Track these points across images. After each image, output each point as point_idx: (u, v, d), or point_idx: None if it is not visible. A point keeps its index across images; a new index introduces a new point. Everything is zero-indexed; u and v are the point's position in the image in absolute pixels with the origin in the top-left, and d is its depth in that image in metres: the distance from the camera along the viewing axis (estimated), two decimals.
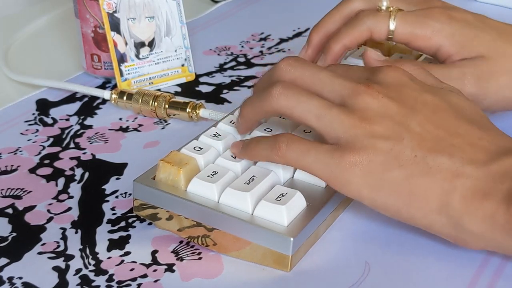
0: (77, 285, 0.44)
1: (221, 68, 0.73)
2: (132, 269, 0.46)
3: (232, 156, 0.49)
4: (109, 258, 0.47)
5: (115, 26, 0.65)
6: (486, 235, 0.42)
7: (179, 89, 0.69)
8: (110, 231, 0.49)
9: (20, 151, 0.59)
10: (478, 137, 0.44)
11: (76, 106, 0.66)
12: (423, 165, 0.43)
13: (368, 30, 0.57)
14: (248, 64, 0.74)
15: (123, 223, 0.50)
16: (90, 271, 0.45)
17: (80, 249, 0.47)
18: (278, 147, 0.45)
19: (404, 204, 0.43)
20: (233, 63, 0.74)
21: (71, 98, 0.67)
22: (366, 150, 0.43)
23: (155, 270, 0.45)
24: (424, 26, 0.56)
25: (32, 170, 0.56)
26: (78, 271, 0.45)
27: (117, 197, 0.53)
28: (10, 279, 0.45)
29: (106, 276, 0.45)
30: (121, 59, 0.66)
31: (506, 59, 0.55)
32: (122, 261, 0.46)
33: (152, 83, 0.68)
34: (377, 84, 0.45)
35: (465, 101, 0.47)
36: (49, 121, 0.63)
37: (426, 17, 0.56)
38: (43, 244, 0.48)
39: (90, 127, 0.62)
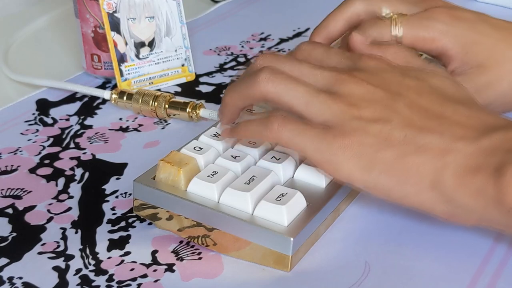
0: (77, 285, 0.44)
1: (221, 68, 0.73)
2: (132, 269, 0.46)
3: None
4: (109, 258, 0.47)
5: (115, 26, 0.65)
6: (478, 208, 0.42)
7: (179, 89, 0.69)
8: (110, 231, 0.49)
9: (20, 151, 0.59)
10: (466, 115, 0.44)
11: (76, 106, 0.66)
12: (413, 144, 0.43)
13: (371, 40, 0.56)
14: (248, 64, 0.74)
15: (123, 223, 0.50)
16: (90, 271, 0.45)
17: (80, 249, 0.47)
18: (271, 126, 0.45)
19: (396, 183, 0.43)
20: (233, 63, 0.74)
21: (71, 98, 0.67)
22: (356, 132, 0.43)
23: (155, 270, 0.45)
24: (428, 28, 0.55)
25: (32, 170, 0.56)
26: (78, 271, 0.46)
27: (117, 197, 0.53)
28: (10, 279, 0.45)
29: (106, 276, 0.45)
30: (121, 59, 0.66)
31: (506, 62, 0.55)
32: (122, 261, 0.46)
33: (152, 83, 0.68)
34: (358, 71, 0.46)
35: (449, 82, 0.47)
36: (49, 121, 0.63)
37: (429, 19, 0.56)
38: (43, 244, 0.48)
39: (90, 127, 0.62)
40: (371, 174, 0.43)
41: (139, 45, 0.67)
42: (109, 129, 0.62)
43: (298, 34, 0.81)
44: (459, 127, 0.43)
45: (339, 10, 0.60)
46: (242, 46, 0.78)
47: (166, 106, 0.62)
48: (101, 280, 0.45)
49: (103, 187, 0.54)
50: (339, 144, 0.43)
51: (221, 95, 0.67)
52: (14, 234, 0.49)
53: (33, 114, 0.64)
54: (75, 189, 0.54)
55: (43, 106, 0.66)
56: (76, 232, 0.49)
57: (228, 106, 0.49)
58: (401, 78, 0.46)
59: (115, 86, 0.68)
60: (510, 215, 0.41)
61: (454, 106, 0.45)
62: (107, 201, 0.52)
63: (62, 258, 0.47)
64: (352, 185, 0.45)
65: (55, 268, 0.46)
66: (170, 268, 0.46)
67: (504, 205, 0.40)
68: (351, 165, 0.43)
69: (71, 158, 0.58)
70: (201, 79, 0.70)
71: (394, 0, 0.58)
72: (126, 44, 0.66)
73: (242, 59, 0.75)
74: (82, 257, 0.47)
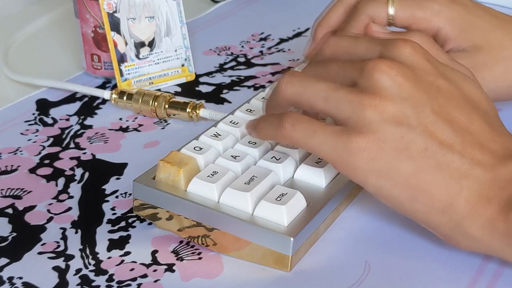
0: (77, 285, 0.44)
1: (221, 68, 0.73)
2: (132, 269, 0.46)
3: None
4: (109, 258, 0.47)
5: (115, 26, 0.65)
6: (483, 240, 0.42)
7: (179, 89, 0.69)
8: (110, 231, 0.49)
9: (20, 151, 0.59)
10: (489, 138, 0.43)
11: (76, 106, 0.66)
12: (433, 159, 0.42)
13: (368, 18, 0.56)
14: (248, 64, 0.74)
15: (123, 223, 0.50)
16: (90, 271, 0.45)
17: (80, 249, 0.47)
18: (283, 127, 0.44)
19: (409, 198, 0.43)
20: (233, 63, 0.74)
21: (71, 98, 0.67)
22: (375, 134, 0.42)
23: (155, 270, 0.45)
24: (424, 8, 0.55)
25: (32, 170, 0.56)
26: (78, 271, 0.45)
27: (117, 197, 0.53)
28: (10, 279, 0.45)
29: (106, 276, 0.45)
30: (121, 59, 0.66)
31: (502, 48, 0.55)
32: (122, 261, 0.46)
33: (152, 83, 0.68)
34: (389, 59, 0.43)
35: (480, 92, 0.45)
36: (49, 121, 0.63)
37: None
38: (43, 244, 0.48)
39: (90, 127, 0.62)
40: (385, 183, 0.42)
41: (139, 45, 0.67)
42: (109, 129, 0.62)
43: (298, 34, 0.81)
44: (480, 150, 0.42)
45: (340, 1, 0.60)
46: (242, 46, 0.78)
47: (166, 106, 0.62)
48: (101, 280, 0.45)
49: (103, 187, 0.54)
50: (356, 145, 0.42)
51: (221, 95, 0.67)
52: (14, 234, 0.49)
53: (33, 114, 0.64)
54: (75, 189, 0.54)
55: (43, 106, 0.66)
56: (76, 232, 0.49)
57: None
58: (434, 77, 0.43)
59: (115, 86, 0.68)
60: None
61: (480, 122, 0.43)
62: (107, 201, 0.52)
63: (62, 258, 0.47)
64: (366, 189, 0.44)
65: (55, 268, 0.46)
66: (170, 268, 0.46)
67: None
68: (367, 169, 0.42)
69: (71, 158, 0.58)
70: (201, 79, 0.70)
71: None
72: (126, 44, 0.66)
73: (242, 59, 0.75)
74: (82, 257, 0.47)
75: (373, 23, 0.52)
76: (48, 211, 0.51)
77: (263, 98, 0.52)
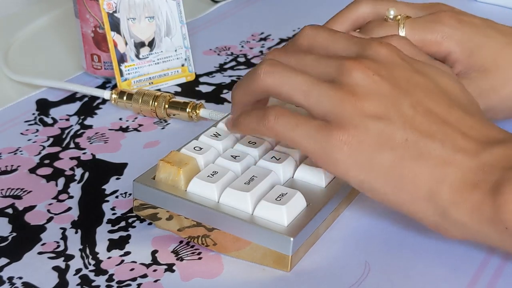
0: (77, 285, 0.44)
1: (221, 68, 0.73)
2: (132, 269, 0.46)
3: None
4: (109, 258, 0.47)
5: (115, 26, 0.65)
6: (471, 225, 0.42)
7: (179, 89, 0.69)
8: (110, 231, 0.49)
9: (20, 151, 0.59)
10: (469, 125, 0.43)
11: (76, 106, 0.66)
12: (414, 149, 0.42)
13: None
14: (248, 64, 0.74)
15: (123, 223, 0.50)
16: (90, 271, 0.45)
17: (80, 249, 0.47)
18: (267, 119, 0.44)
19: (393, 188, 0.43)
20: (233, 63, 0.74)
21: (71, 98, 0.67)
22: (356, 128, 0.42)
23: (155, 270, 0.45)
24: (434, 31, 0.55)
25: (32, 170, 0.56)
26: (78, 271, 0.46)
27: (117, 197, 0.53)
28: (10, 279, 0.45)
29: (106, 276, 0.45)
30: (121, 59, 0.66)
31: (511, 68, 0.55)
32: (122, 261, 0.46)
33: (152, 83, 0.68)
34: (366, 59, 0.44)
35: (457, 85, 0.46)
36: (49, 121, 0.63)
37: (435, 22, 0.55)
38: (43, 244, 0.48)
39: (90, 127, 0.62)
40: (367, 175, 0.43)
41: (139, 45, 0.67)
42: (109, 129, 0.62)
43: None
44: (461, 138, 0.43)
45: (345, 11, 0.59)
46: (242, 46, 0.78)
47: (166, 106, 0.62)
48: (101, 280, 0.45)
49: (103, 187, 0.54)
50: (337, 139, 0.42)
51: (221, 95, 0.67)
52: (14, 234, 0.49)
53: (33, 114, 0.64)
54: (75, 189, 0.54)
55: (43, 106, 0.66)
56: (76, 232, 0.49)
57: (235, 103, 0.49)
58: (411, 74, 0.45)
59: (115, 86, 0.68)
60: (506, 233, 0.40)
61: (459, 113, 0.44)
62: (107, 201, 0.52)
63: (62, 258, 0.47)
64: (349, 183, 0.44)
65: (55, 268, 0.46)
66: (170, 268, 0.46)
67: (501, 223, 0.40)
68: (349, 162, 0.43)
69: (71, 158, 0.58)
70: (201, 79, 0.70)
71: (401, 3, 0.58)
72: (126, 44, 0.66)
73: (242, 59, 0.75)
74: (82, 257, 0.47)
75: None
76: (48, 211, 0.51)
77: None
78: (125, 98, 0.63)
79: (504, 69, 0.55)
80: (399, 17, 0.56)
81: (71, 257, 0.47)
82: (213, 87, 0.69)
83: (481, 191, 0.41)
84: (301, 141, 0.44)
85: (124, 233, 0.49)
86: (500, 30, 0.56)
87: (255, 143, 0.51)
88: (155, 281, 0.45)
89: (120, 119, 0.63)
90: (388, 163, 0.42)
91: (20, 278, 0.45)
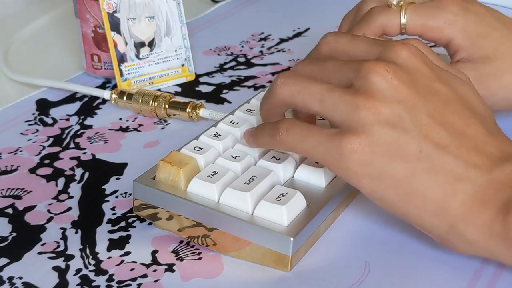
0: (77, 285, 0.44)
1: (221, 68, 0.73)
2: (132, 269, 0.46)
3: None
4: (109, 258, 0.47)
5: (115, 26, 0.65)
6: (480, 242, 0.41)
7: (179, 89, 0.69)
8: (110, 231, 0.49)
9: (20, 151, 0.59)
10: (485, 141, 0.43)
11: (76, 106, 0.66)
12: (427, 161, 0.41)
13: (380, 27, 0.55)
14: (248, 64, 0.74)
15: (123, 223, 0.50)
16: (90, 271, 0.45)
17: (80, 249, 0.47)
18: (278, 133, 0.44)
19: (402, 200, 0.42)
20: (233, 63, 0.74)
21: (71, 98, 0.67)
22: (368, 136, 0.41)
23: (155, 270, 0.45)
24: (437, 17, 0.54)
25: (32, 170, 0.56)
26: (78, 271, 0.45)
27: (117, 197, 0.53)
28: (10, 279, 0.45)
29: (106, 276, 0.45)
30: (121, 59, 0.66)
31: None
32: (122, 261, 0.46)
33: (152, 83, 0.68)
34: (386, 61, 0.43)
35: (476, 97, 0.45)
36: (49, 121, 0.63)
37: (438, 8, 0.55)
38: (43, 244, 0.48)
39: (90, 127, 0.62)
40: (379, 185, 0.42)
41: (139, 45, 0.67)
42: (109, 129, 0.62)
43: (298, 34, 0.81)
44: (475, 153, 0.42)
45: (353, 12, 0.59)
46: (242, 46, 0.78)
47: (166, 106, 0.62)
48: (101, 280, 0.45)
49: (103, 187, 0.54)
50: (349, 146, 0.41)
51: (221, 95, 0.67)
52: (14, 234, 0.49)
53: (33, 114, 0.64)
54: (75, 189, 0.54)
55: (43, 106, 0.66)
56: (76, 232, 0.49)
57: (264, 119, 0.48)
58: (431, 81, 0.43)
59: (115, 86, 0.68)
60: None
61: (476, 126, 0.43)
62: (107, 201, 0.52)
63: (62, 258, 0.47)
64: (361, 191, 0.44)
65: (55, 268, 0.46)
66: (170, 268, 0.46)
67: (511, 241, 0.40)
68: (360, 171, 0.42)
69: (71, 158, 0.58)
70: (201, 79, 0.70)
71: None
72: (126, 44, 0.66)
73: (242, 59, 0.75)
74: (82, 257, 0.47)
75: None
76: (48, 211, 0.51)
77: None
78: (125, 98, 0.63)
79: (505, 58, 0.54)
80: (402, 2, 0.55)
81: (71, 257, 0.47)
82: (213, 87, 0.69)
83: (492, 209, 0.41)
84: (312, 151, 0.43)
85: (124, 233, 0.49)
86: (503, 20, 0.56)
87: None
88: (155, 281, 0.45)
89: (120, 119, 0.63)
90: (401, 175, 0.42)
91: (20, 278, 0.45)
